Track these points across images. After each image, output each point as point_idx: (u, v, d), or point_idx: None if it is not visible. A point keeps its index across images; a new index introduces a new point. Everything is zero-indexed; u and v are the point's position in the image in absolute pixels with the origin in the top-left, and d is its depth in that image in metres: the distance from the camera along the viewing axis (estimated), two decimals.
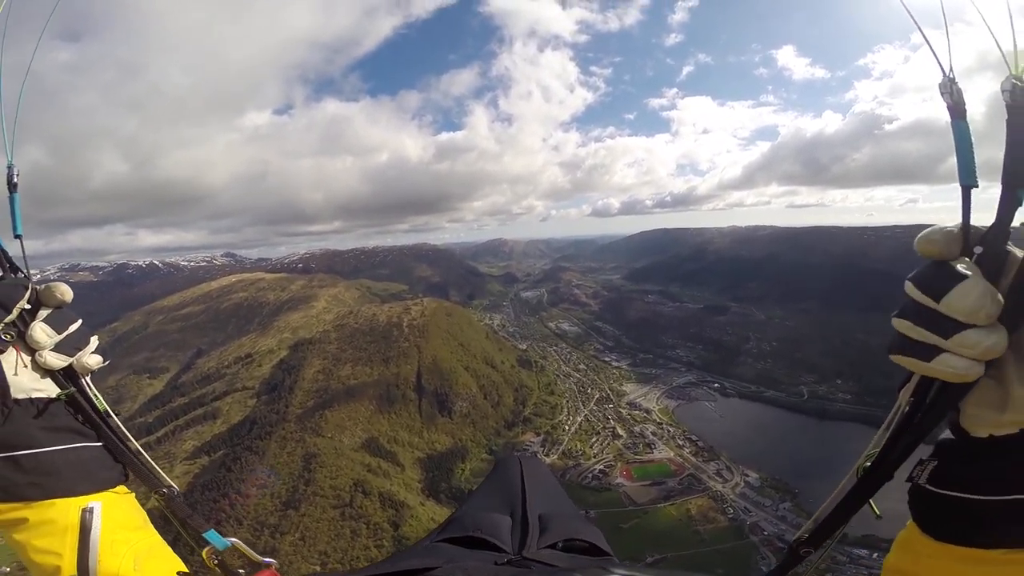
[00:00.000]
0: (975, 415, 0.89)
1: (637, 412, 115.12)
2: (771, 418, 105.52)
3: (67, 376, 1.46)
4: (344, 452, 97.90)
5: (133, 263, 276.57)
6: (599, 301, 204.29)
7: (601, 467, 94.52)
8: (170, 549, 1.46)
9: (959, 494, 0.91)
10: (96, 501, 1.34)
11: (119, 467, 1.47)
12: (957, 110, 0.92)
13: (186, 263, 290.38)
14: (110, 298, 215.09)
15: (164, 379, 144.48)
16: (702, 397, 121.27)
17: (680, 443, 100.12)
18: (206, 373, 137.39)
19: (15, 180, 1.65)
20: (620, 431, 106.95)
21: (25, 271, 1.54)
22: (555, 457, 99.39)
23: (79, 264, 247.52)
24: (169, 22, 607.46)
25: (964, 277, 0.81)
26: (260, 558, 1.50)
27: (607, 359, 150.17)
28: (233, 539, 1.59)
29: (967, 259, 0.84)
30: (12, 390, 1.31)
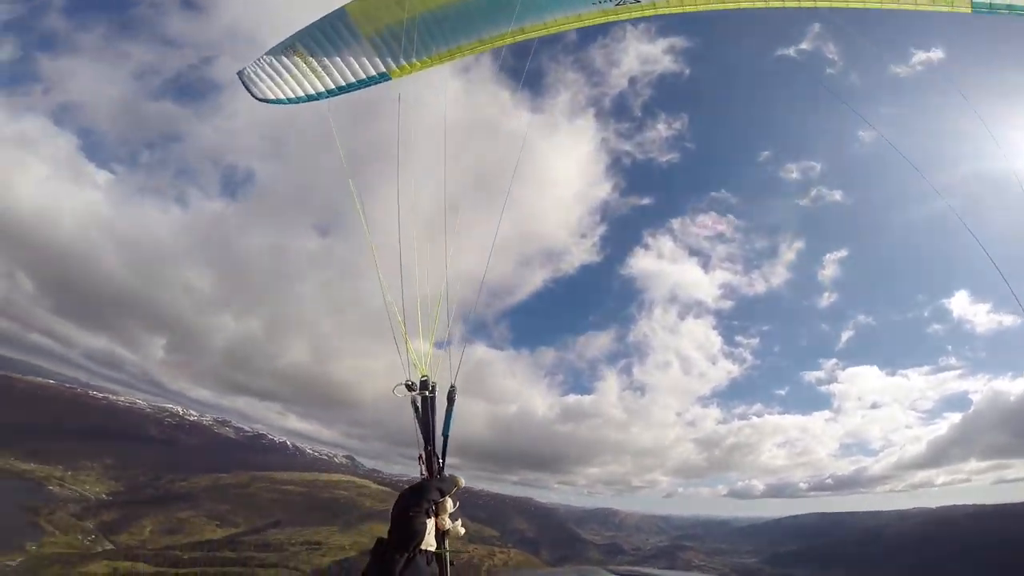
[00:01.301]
0: None
1: None
2: None
3: (441, 536, 2.50)
4: None
5: (269, 436, 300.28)
6: None
7: None
8: None
9: None
10: None
11: None
12: None
13: (311, 451, 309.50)
14: (235, 455, 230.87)
15: (229, 531, 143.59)
16: None
17: None
18: (269, 542, 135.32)
19: (455, 397, 3.15)
20: None
21: (443, 459, 2.95)
22: None
23: (230, 421, 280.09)
24: (380, 235, 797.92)
25: None
26: None
27: None
28: None
29: None
30: (423, 543, 2.19)
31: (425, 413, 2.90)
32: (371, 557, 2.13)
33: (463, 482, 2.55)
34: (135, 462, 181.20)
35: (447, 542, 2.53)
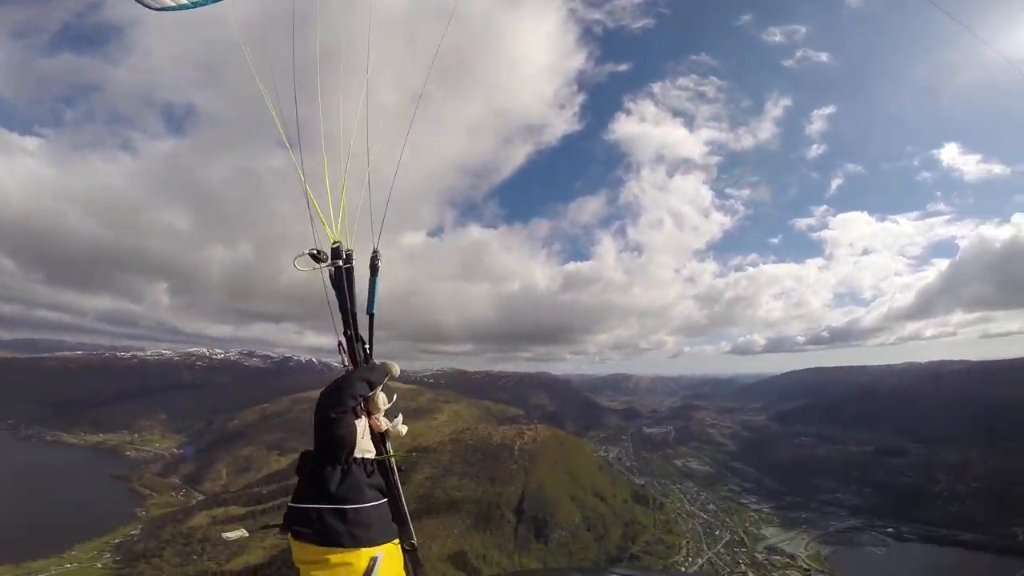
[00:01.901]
0: None
1: (778, 557, 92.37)
2: (968, 562, 78.84)
3: (380, 439, 1.90)
4: (430, 559, 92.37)
5: (295, 358, 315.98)
6: (737, 441, 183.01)
7: None
8: None
9: None
10: (381, 551, 1.65)
11: (395, 522, 1.84)
12: None
13: (337, 364, 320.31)
14: (270, 383, 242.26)
15: (290, 458, 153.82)
16: (868, 542, 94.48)
17: None
18: None
19: (378, 264, 2.30)
20: None
21: (369, 344, 2.13)
22: None
23: (255, 351, 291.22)
24: (349, 137, 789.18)
25: None
26: None
27: (744, 501, 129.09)
28: None
29: None
30: (356, 450, 1.70)
31: (341, 289, 2.24)
32: (298, 476, 1.80)
33: (397, 369, 2.05)
34: (185, 411, 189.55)
35: (390, 445, 2.09)
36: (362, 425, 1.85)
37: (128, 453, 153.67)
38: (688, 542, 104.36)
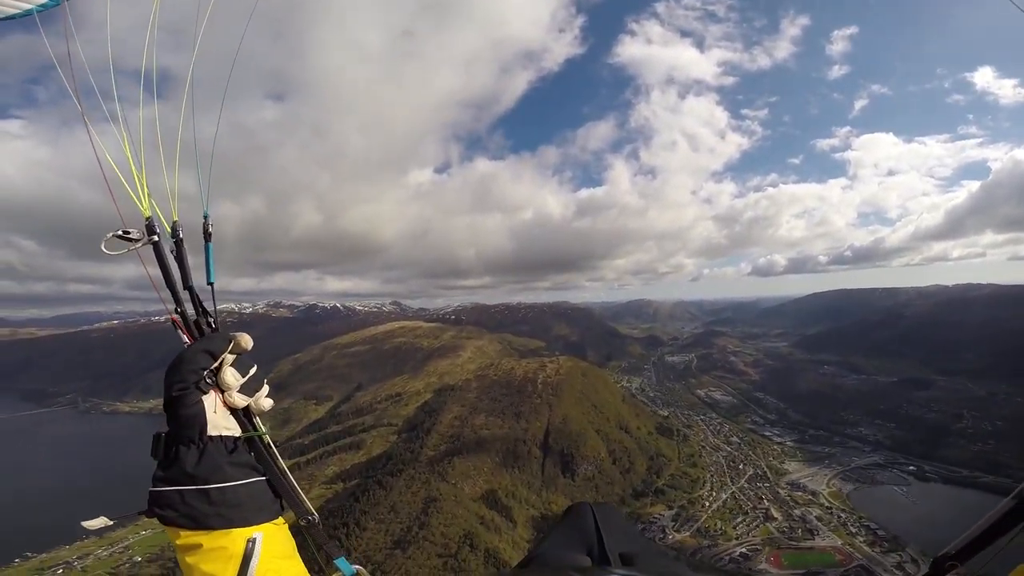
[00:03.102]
0: None
1: (800, 493, 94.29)
2: (988, 505, 77.32)
3: (244, 415, 1.78)
4: (463, 501, 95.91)
5: (320, 305, 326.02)
6: (760, 370, 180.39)
7: (743, 550, 77.32)
8: None
9: None
10: (259, 532, 1.55)
11: (278, 499, 1.75)
12: None
13: (361, 307, 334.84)
14: (299, 332, 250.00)
15: (327, 407, 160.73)
16: (889, 481, 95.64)
17: (853, 531, 78.71)
18: (361, 406, 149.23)
19: (210, 230, 2.09)
20: (775, 513, 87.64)
21: (214, 317, 1.94)
22: (687, 534, 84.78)
23: (281, 302, 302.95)
24: (341, 83, 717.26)
25: None
26: None
27: (767, 433, 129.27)
28: (358, 567, 1.86)
29: None
30: (209, 427, 1.59)
31: (165, 266, 1.97)
32: (154, 459, 1.60)
33: (248, 342, 1.77)
34: None
35: (257, 421, 1.86)
36: (211, 400, 1.65)
37: None
38: (712, 475, 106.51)
